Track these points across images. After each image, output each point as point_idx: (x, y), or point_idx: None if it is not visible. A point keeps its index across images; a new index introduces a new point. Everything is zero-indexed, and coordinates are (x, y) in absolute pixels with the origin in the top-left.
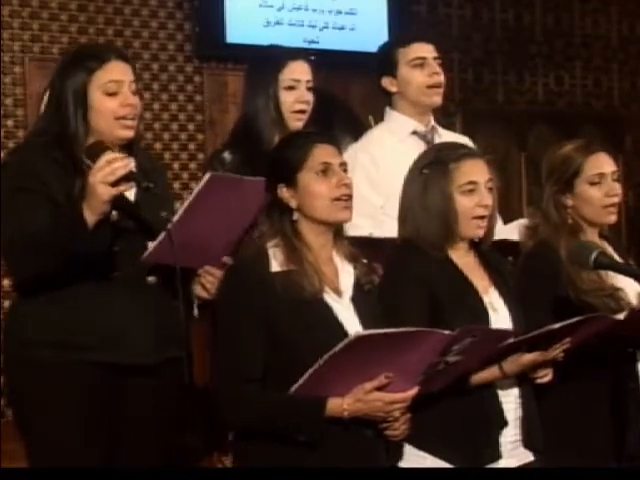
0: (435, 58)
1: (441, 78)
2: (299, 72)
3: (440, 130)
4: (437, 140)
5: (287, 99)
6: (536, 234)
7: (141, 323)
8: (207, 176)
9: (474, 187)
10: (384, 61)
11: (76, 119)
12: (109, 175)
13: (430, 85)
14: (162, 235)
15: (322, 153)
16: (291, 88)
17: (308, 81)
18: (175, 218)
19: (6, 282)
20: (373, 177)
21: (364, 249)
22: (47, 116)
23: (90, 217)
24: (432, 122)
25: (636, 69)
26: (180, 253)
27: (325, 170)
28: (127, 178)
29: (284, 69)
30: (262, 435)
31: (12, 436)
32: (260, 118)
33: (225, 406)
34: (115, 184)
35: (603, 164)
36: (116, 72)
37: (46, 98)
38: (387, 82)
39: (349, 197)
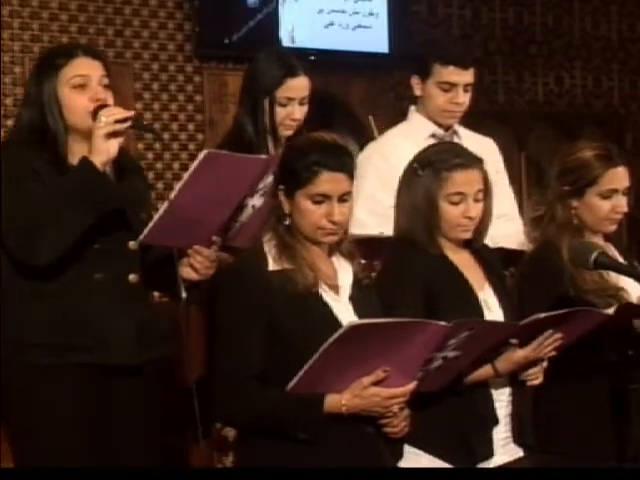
0: (467, 85)
1: (461, 108)
2: (295, 90)
3: (461, 132)
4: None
5: (279, 113)
6: (540, 226)
7: (123, 323)
8: (203, 153)
9: (461, 198)
10: (419, 64)
11: (54, 118)
12: (110, 116)
13: (447, 110)
14: (160, 213)
15: (326, 181)
16: (284, 105)
17: (303, 98)
18: (171, 196)
19: None
20: (385, 177)
21: (372, 247)
22: (26, 114)
23: (96, 159)
24: (454, 125)
25: (636, 69)
26: (174, 233)
27: (322, 201)
28: (126, 120)
29: (281, 87)
30: (262, 433)
31: None
32: (252, 124)
33: (224, 404)
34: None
35: (621, 180)
36: (82, 67)
37: (23, 98)
38: (415, 82)
39: (334, 229)
